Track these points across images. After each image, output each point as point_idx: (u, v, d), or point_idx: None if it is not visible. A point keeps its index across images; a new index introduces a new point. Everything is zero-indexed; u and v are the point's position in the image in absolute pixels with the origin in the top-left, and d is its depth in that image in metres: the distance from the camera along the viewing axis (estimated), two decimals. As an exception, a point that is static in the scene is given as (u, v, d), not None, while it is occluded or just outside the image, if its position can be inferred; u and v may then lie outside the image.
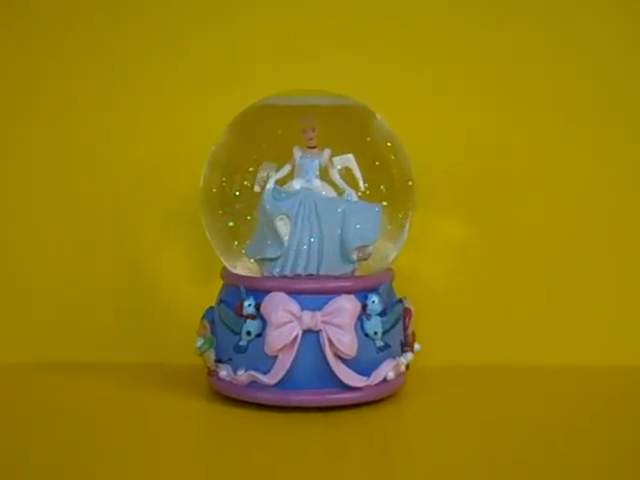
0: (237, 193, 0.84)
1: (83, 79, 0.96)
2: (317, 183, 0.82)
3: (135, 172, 0.95)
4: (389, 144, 0.86)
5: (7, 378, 0.91)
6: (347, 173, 0.83)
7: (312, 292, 0.80)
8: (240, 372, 0.82)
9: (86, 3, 0.96)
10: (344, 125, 0.86)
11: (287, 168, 0.83)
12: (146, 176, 0.95)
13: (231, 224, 0.85)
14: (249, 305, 0.81)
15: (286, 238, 0.81)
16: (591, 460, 0.73)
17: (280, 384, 0.80)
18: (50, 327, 0.96)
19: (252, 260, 0.84)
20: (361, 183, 0.83)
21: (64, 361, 0.94)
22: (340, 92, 0.86)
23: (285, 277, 0.82)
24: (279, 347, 0.80)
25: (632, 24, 0.95)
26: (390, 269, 0.86)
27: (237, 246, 0.85)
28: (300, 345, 0.80)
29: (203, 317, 0.85)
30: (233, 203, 0.84)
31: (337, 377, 0.80)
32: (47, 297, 0.96)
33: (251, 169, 0.83)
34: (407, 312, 0.86)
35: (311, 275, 0.82)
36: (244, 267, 0.85)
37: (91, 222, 0.96)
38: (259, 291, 0.81)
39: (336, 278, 0.82)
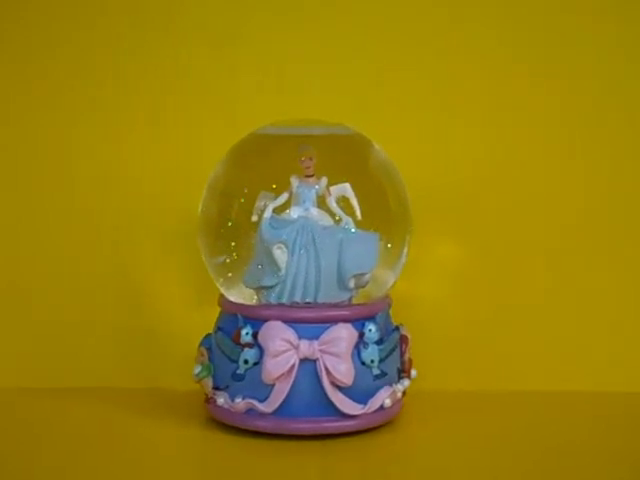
0: (234, 221, 0.84)
1: (82, 101, 0.96)
2: (314, 212, 0.82)
3: (133, 197, 0.95)
4: (385, 172, 0.86)
5: (1, 403, 0.91)
6: (344, 202, 0.83)
7: (309, 321, 0.81)
8: (237, 400, 0.82)
9: (90, 32, 0.96)
10: (341, 154, 0.86)
11: (284, 197, 0.83)
12: (144, 202, 0.95)
13: (227, 251, 0.85)
14: (246, 333, 0.81)
15: (283, 266, 0.81)
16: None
17: (277, 412, 0.80)
18: (46, 352, 0.96)
19: (249, 288, 0.84)
20: (358, 211, 0.83)
21: (60, 386, 0.94)
22: (337, 121, 0.86)
23: (282, 305, 0.82)
24: (276, 375, 0.80)
25: (629, 37, 0.96)
26: (387, 296, 0.86)
27: (234, 274, 0.85)
28: (297, 373, 0.80)
29: (201, 344, 0.85)
30: (230, 231, 0.84)
31: (334, 405, 0.81)
32: (42, 322, 0.96)
33: (248, 198, 0.83)
34: (404, 339, 0.86)
35: (308, 303, 0.82)
36: (241, 295, 0.85)
37: (89, 248, 0.95)
38: (256, 319, 0.81)
39: (333, 306, 0.82)
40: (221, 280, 0.86)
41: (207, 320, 0.87)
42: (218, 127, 0.94)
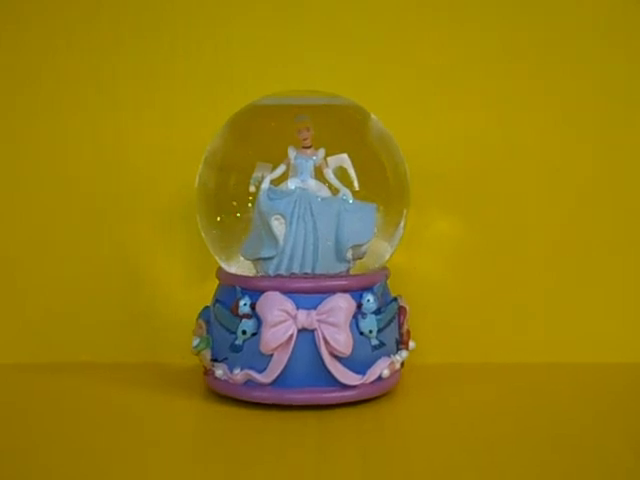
0: (232, 193, 0.84)
1: (78, 82, 0.96)
2: (312, 183, 0.83)
3: (130, 173, 0.95)
4: (383, 143, 0.87)
5: (3, 379, 0.91)
6: (342, 173, 0.83)
7: (307, 291, 0.81)
8: (236, 371, 0.82)
9: (85, 8, 0.96)
10: (338, 125, 0.86)
11: (282, 168, 0.83)
12: (141, 177, 0.95)
13: (226, 224, 0.85)
14: (244, 304, 0.81)
15: (281, 238, 0.82)
16: (589, 458, 0.73)
17: (276, 383, 0.81)
18: (46, 327, 0.96)
19: (247, 260, 0.84)
20: (356, 182, 0.83)
21: (60, 361, 0.94)
22: (334, 92, 0.86)
23: (280, 276, 0.82)
24: (274, 346, 0.80)
25: (630, 24, 0.96)
26: (385, 267, 0.87)
27: (232, 246, 0.85)
28: (295, 344, 0.80)
29: (199, 317, 0.85)
30: (228, 203, 0.85)
31: (332, 375, 0.81)
32: (43, 297, 0.96)
33: (246, 169, 0.83)
34: (402, 310, 0.86)
35: (306, 274, 0.82)
36: (239, 267, 0.85)
37: (86, 223, 0.96)
38: (254, 290, 0.81)
39: (331, 277, 0.82)
40: (219, 253, 0.86)
41: (206, 293, 0.87)
42: (215, 100, 0.94)
